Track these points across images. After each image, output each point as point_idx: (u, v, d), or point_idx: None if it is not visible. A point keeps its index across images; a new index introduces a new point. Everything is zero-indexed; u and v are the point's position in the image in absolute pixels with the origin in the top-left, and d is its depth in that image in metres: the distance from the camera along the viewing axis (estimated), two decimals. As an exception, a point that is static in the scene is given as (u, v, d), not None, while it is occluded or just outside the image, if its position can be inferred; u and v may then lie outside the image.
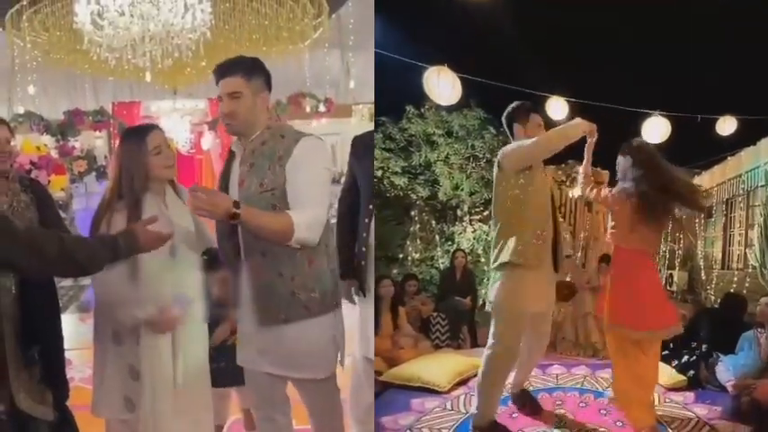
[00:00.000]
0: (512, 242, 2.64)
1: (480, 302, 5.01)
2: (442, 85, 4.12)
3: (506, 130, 2.93)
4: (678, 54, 5.03)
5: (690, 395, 3.42)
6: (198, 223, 2.27)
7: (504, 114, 2.91)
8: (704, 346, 3.72)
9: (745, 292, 4.66)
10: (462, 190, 6.39)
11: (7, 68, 7.22)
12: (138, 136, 2.13)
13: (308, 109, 8.32)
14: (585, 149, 2.93)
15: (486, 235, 6.00)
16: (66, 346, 2.42)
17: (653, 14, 4.87)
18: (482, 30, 4.76)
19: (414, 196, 6.40)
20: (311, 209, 1.99)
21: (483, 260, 5.93)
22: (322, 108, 8.41)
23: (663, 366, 3.64)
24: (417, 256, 6.30)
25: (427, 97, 4.49)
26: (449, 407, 3.27)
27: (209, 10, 5.60)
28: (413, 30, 4.57)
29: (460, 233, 6.31)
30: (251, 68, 2.08)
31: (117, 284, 2.01)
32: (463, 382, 3.60)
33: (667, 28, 4.95)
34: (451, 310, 4.81)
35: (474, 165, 6.39)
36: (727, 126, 5.18)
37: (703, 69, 4.93)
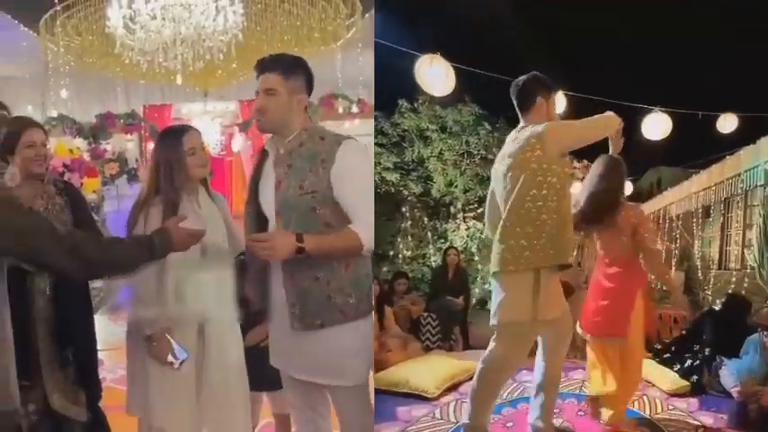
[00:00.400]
0: (557, 240, 2.31)
1: (483, 308, 4.85)
2: (435, 74, 3.92)
3: (517, 103, 2.46)
4: (678, 53, 4.99)
5: (694, 401, 3.30)
6: (230, 226, 2.32)
7: (524, 82, 2.44)
8: (707, 350, 3.60)
9: (743, 292, 4.56)
10: (456, 187, 6.28)
11: (41, 73, 7.41)
12: (174, 136, 2.20)
13: (340, 110, 8.25)
14: (610, 144, 2.76)
15: (481, 233, 5.87)
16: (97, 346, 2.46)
17: (653, 14, 4.81)
18: (479, 23, 4.66)
19: (406, 192, 6.26)
20: (369, 217, 1.96)
21: (477, 258, 5.79)
22: (355, 109, 8.35)
23: (665, 371, 3.55)
24: (408, 253, 6.18)
25: (421, 91, 4.32)
26: (437, 415, 3.12)
27: (240, 12, 5.64)
28: (409, 21, 4.45)
29: (454, 231, 6.19)
30: (291, 67, 2.02)
31: (146, 284, 2.06)
32: (453, 388, 3.45)
33: (667, 28, 4.90)
34: (443, 310, 4.66)
35: (468, 161, 6.28)
36: (727, 123, 5.09)
37: (704, 69, 4.92)
